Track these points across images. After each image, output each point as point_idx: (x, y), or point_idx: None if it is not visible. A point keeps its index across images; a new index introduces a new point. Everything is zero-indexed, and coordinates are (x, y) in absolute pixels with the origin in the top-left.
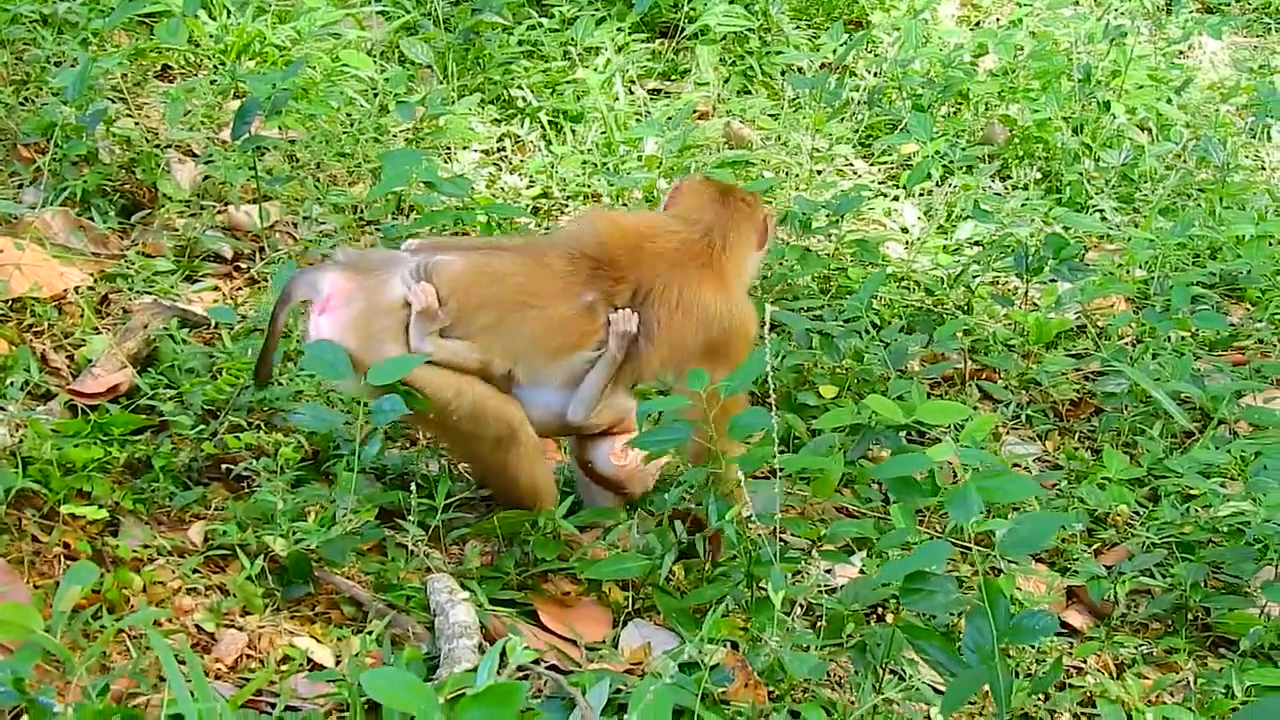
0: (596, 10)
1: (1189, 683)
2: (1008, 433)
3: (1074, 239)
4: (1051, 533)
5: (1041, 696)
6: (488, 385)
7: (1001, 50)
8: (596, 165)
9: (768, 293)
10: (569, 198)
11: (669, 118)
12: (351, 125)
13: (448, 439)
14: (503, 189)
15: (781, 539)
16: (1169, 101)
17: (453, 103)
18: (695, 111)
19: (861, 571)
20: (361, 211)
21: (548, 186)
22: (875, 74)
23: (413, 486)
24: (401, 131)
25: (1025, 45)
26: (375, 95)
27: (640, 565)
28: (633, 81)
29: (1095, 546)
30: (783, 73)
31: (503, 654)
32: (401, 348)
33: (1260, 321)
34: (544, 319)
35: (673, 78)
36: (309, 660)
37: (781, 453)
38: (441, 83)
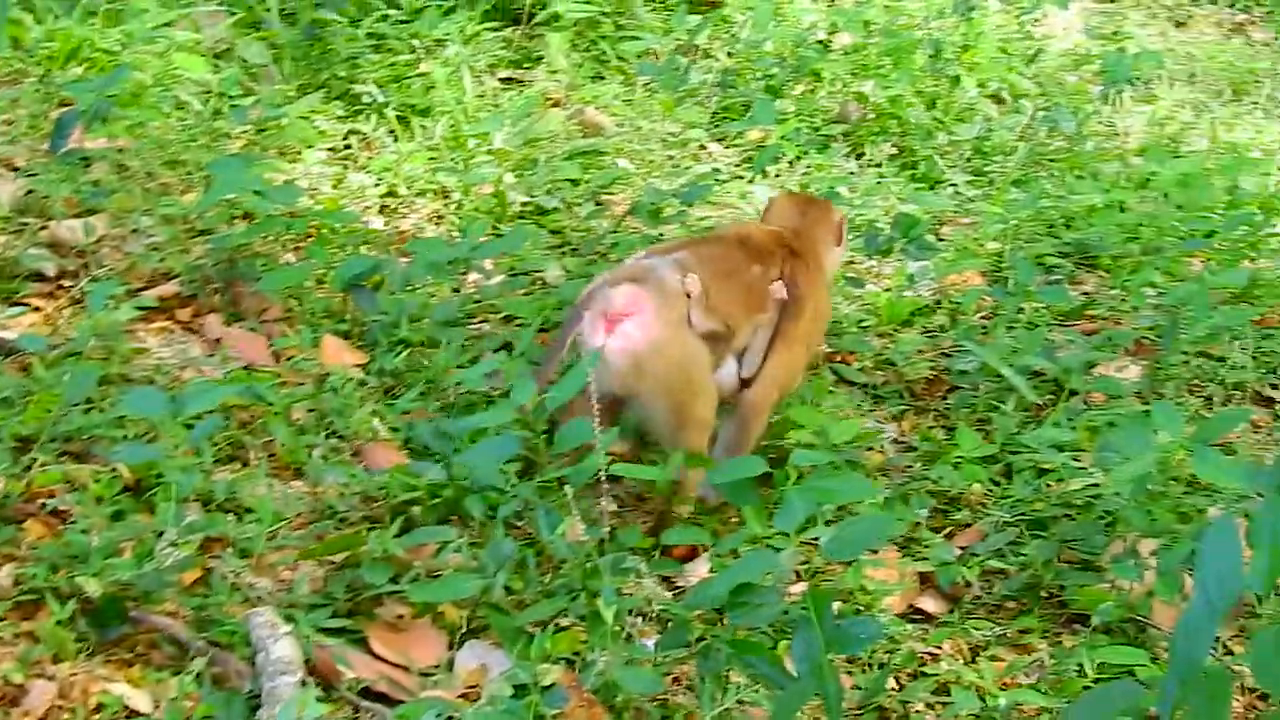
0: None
1: (1043, 663)
2: (864, 416)
3: (927, 215)
4: (881, 535)
5: (895, 687)
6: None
7: (852, 27)
8: (444, 161)
9: None
10: (417, 195)
11: (518, 108)
12: (185, 131)
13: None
14: (349, 188)
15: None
16: (1020, 73)
17: (292, 102)
18: (548, 100)
19: (711, 571)
20: (193, 222)
21: (394, 184)
22: (730, 55)
23: (235, 515)
24: (243, 134)
25: (879, 21)
26: (209, 99)
27: (472, 585)
28: (484, 71)
29: (948, 530)
30: (638, 57)
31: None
32: (688, 325)
33: (1113, 289)
34: (742, 284)
35: (526, 65)
36: (125, 707)
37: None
38: (281, 82)
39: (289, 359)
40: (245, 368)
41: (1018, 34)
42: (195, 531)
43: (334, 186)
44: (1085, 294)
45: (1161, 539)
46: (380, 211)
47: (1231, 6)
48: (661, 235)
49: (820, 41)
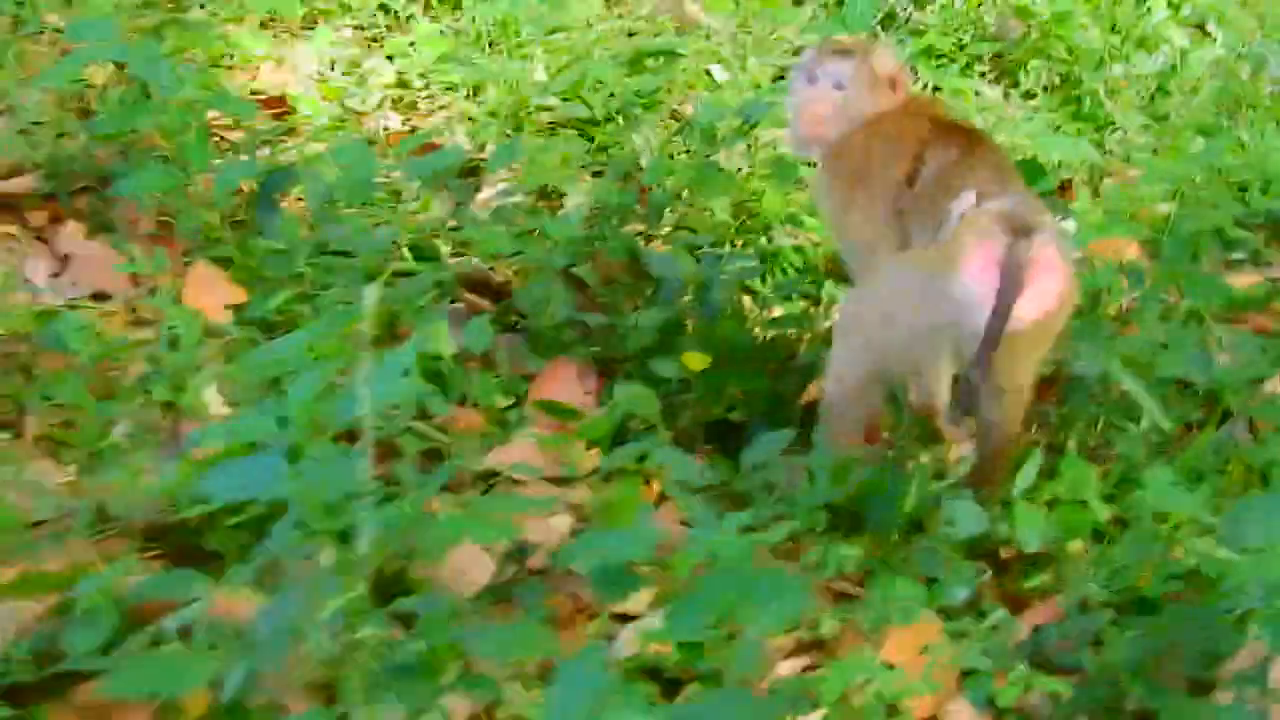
0: None
1: None
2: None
3: (1082, 163)
4: None
5: None
6: None
7: None
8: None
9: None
10: (444, 89)
11: None
12: None
13: None
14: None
15: None
16: None
17: None
18: None
19: None
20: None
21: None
22: None
23: None
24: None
25: None
26: None
27: None
28: None
29: (1023, 598)
30: None
31: None
32: None
33: None
34: None
35: None
36: None
37: None
38: None
39: (151, 290)
40: (93, 296)
41: None
42: None
43: (346, 73)
44: (1272, 280)
45: None
46: (393, 106)
47: None
48: (713, 158)
49: None
